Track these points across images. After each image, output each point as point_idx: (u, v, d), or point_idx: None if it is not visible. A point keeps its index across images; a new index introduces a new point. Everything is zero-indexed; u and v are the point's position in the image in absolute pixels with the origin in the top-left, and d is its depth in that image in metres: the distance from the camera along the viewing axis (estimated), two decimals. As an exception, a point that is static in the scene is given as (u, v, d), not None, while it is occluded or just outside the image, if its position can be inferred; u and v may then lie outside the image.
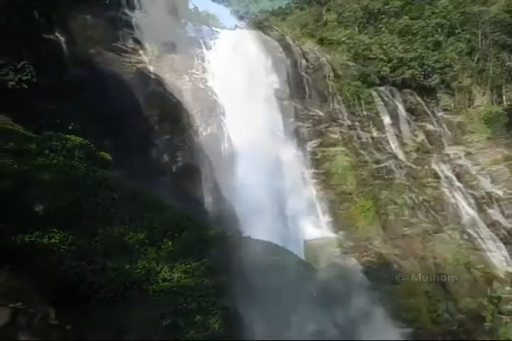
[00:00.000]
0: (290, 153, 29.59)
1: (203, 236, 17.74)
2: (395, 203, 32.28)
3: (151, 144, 23.54)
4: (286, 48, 34.77)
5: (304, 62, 35.85)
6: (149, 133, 23.61)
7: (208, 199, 24.25)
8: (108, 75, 22.74)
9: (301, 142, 31.29)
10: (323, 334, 24.72)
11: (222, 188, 24.66)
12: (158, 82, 24.79)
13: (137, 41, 26.05)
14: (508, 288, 32.52)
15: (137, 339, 18.28)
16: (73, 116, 20.78)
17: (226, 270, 21.40)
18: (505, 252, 34.73)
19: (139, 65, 24.72)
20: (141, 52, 25.83)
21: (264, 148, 25.79)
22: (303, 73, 35.33)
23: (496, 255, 34.22)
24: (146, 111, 23.38)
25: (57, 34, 21.74)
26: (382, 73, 41.46)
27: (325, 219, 29.33)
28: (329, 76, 37.91)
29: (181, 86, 26.37)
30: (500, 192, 39.46)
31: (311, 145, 31.74)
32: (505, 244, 35.01)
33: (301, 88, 34.69)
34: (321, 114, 34.19)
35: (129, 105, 22.82)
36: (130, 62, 24.23)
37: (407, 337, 27.17)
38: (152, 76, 24.80)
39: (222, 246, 18.15)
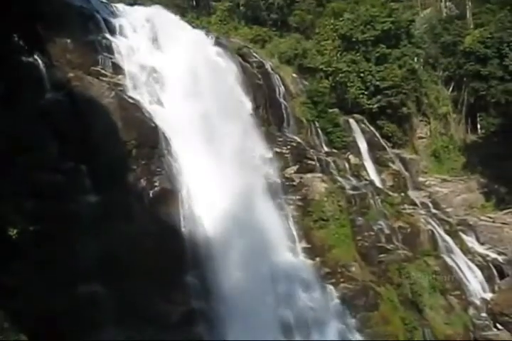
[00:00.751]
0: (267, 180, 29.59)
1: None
2: (372, 230, 32.42)
3: (128, 169, 23.42)
4: (265, 75, 35.08)
5: (282, 89, 36.17)
6: (126, 158, 23.50)
7: (186, 225, 24.15)
8: (86, 99, 22.68)
9: (278, 168, 31.36)
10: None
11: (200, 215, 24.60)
12: (136, 106, 24.78)
13: (117, 65, 26.06)
14: (483, 315, 32.66)
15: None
16: (49, 140, 20.68)
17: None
18: (480, 278, 34.96)
19: (118, 89, 24.68)
20: (120, 76, 25.83)
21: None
22: (281, 100, 35.62)
23: (472, 281, 34.41)
24: (124, 135, 23.29)
25: (36, 57, 21.69)
26: (359, 101, 42.00)
27: (301, 245, 29.30)
28: (307, 103, 38.32)
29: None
30: (474, 219, 39.95)
31: (288, 171, 31.84)
32: (480, 270, 35.27)
33: (279, 114, 34.96)
34: (299, 140, 34.41)
35: (106, 129, 22.75)
36: (109, 86, 24.18)
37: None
38: (130, 100, 24.77)
39: None
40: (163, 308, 21.87)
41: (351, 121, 40.94)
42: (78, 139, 21.47)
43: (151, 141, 24.53)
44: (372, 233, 32.36)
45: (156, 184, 23.84)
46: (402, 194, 38.55)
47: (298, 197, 30.91)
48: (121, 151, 23.30)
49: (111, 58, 25.87)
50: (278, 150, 32.40)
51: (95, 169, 21.23)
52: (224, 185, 24.64)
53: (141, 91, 26.22)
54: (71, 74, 23.25)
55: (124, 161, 23.25)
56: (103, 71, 25.19)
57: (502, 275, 35.87)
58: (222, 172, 24.96)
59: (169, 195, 24.17)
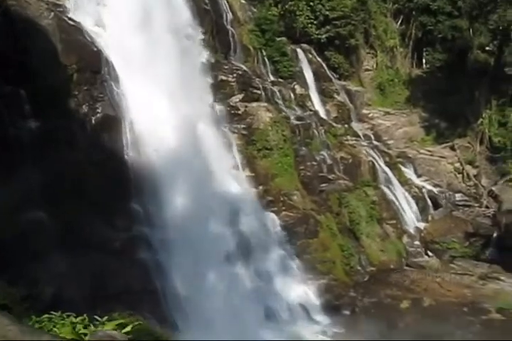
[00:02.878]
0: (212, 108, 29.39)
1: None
2: (314, 160, 33.00)
3: (69, 95, 22.81)
4: (212, 0, 34.08)
5: (230, 15, 35.32)
6: (67, 83, 22.83)
7: (129, 152, 24.00)
8: (23, 20, 21.64)
9: (223, 96, 31.12)
10: (239, 289, 25.62)
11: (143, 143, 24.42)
12: (78, 29, 23.84)
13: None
14: (416, 243, 34.30)
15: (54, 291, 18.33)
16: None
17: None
18: (416, 209, 36.43)
19: (57, 10, 23.57)
20: (60, -4, 24.61)
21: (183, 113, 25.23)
22: (228, 26, 34.87)
23: (408, 211, 35.83)
24: (64, 59, 22.50)
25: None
26: (307, 30, 41.53)
27: (245, 173, 29.63)
28: (255, 31, 37.67)
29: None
30: (414, 152, 41.08)
31: (233, 100, 31.66)
32: (416, 201, 36.68)
33: (225, 42, 34.31)
34: (245, 68, 34.05)
35: (45, 53, 21.90)
36: (48, 7, 23.04)
37: (320, 288, 28.43)
38: (71, 22, 23.77)
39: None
40: (106, 235, 22.03)
41: (299, 50, 40.57)
42: (16, 62, 20.67)
43: (93, 66, 23.83)
44: (314, 163, 32.97)
45: (99, 110, 23.38)
46: (346, 125, 39.01)
47: (242, 125, 30.90)
48: (62, 76, 22.58)
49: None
50: (224, 78, 32.01)
51: (35, 94, 20.59)
52: (168, 113, 24.43)
53: (83, 12, 25.12)
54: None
55: (64, 86, 22.59)
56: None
57: (436, 206, 37.43)
58: (166, 100, 24.66)
59: (112, 121, 23.81)
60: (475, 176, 39.70)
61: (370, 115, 43.82)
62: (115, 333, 3.53)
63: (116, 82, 24.47)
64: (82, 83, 23.20)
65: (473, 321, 26.21)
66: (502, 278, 30.78)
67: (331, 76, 42.27)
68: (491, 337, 23.97)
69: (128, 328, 4.80)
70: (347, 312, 27.92)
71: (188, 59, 27.71)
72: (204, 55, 30.69)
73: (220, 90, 31.17)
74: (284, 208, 29.71)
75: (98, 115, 23.30)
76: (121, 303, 17.92)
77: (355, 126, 40.75)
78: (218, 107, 30.35)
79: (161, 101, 24.54)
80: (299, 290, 28.22)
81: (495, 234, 33.72)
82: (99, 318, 4.21)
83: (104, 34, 25.20)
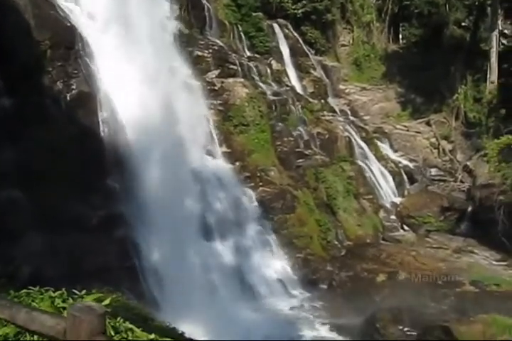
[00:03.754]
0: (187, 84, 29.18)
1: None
2: (291, 135, 33.05)
3: (43, 71, 22.46)
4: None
5: (205, -11, 34.91)
6: (41, 59, 22.46)
7: (105, 129, 23.80)
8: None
9: (199, 72, 30.89)
10: (216, 264, 25.79)
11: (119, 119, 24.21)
12: (50, 3, 23.38)
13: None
14: (392, 217, 34.72)
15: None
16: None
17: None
18: (392, 184, 36.80)
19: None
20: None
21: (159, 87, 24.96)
22: (204, 1, 34.48)
23: (384, 186, 36.19)
24: (37, 35, 22.10)
25: None
26: (284, 5, 41.25)
27: (222, 149, 29.61)
28: (230, 6, 37.31)
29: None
30: (390, 127, 41.36)
31: (209, 75, 31.45)
32: (392, 176, 37.04)
33: (201, 17, 33.95)
34: (221, 44, 33.79)
35: (17, 28, 21.48)
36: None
37: (297, 262, 28.72)
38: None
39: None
40: (83, 212, 21.91)
41: (275, 25, 40.37)
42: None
43: (67, 42, 23.44)
44: (291, 138, 33.02)
45: (73, 87, 23.07)
46: (322, 101, 39.04)
47: (219, 101, 30.75)
48: (35, 52, 22.21)
49: None
50: (199, 53, 31.74)
51: (8, 71, 20.22)
52: (143, 89, 24.18)
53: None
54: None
55: (38, 63, 22.22)
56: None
57: (412, 180, 37.88)
58: (141, 76, 24.39)
59: (87, 98, 23.52)
60: (450, 151, 40.17)
61: (347, 90, 43.93)
62: (94, 304, 3.55)
63: (90, 58, 24.14)
64: (56, 59, 22.84)
65: (447, 293, 26.67)
66: (476, 251, 31.36)
67: (308, 51, 42.18)
68: (465, 309, 24.43)
69: (107, 301, 4.84)
70: (324, 287, 28.24)
71: (162, 34, 27.39)
72: (179, 31, 30.30)
73: (195, 66, 30.91)
74: (260, 184, 29.79)
75: (73, 91, 23.00)
76: (99, 281, 17.85)
77: (332, 101, 40.84)
78: (194, 83, 30.13)
79: (135, 77, 24.26)
80: (277, 265, 28.49)
81: (469, 209, 34.27)
82: (77, 292, 4.23)
83: (76, 9, 24.78)
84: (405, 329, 23.21)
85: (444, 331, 19.97)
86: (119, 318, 4.63)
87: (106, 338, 3.47)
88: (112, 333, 4.26)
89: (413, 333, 22.44)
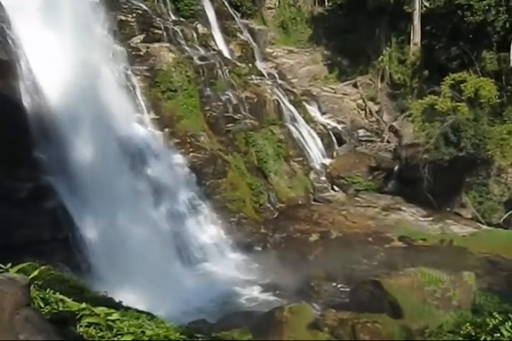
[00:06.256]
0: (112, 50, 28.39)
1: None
2: (220, 100, 32.90)
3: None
4: None
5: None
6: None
7: (27, 99, 23.00)
8: None
9: (124, 37, 30.10)
10: (151, 231, 25.72)
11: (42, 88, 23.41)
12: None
13: None
14: (322, 178, 35.39)
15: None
16: None
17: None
18: (321, 146, 37.37)
19: None
20: None
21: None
22: (125, -37, 33.35)
23: (313, 148, 36.72)
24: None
25: None
26: (208, -33, 40.44)
27: (150, 116, 29.21)
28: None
29: None
30: (318, 90, 41.72)
31: (134, 40, 30.71)
32: (321, 138, 37.58)
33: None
34: (145, 8, 32.94)
35: None
36: None
37: (231, 226, 29.04)
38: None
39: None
40: (10, 185, 21.37)
41: (199, -12, 39.59)
42: None
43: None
44: (220, 103, 32.89)
45: (-9, 54, 22.10)
46: (250, 65, 38.83)
47: (145, 67, 30.11)
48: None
49: None
50: (123, 18, 30.87)
51: None
52: (66, 56, 23.37)
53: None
54: None
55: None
56: None
57: (340, 142, 38.59)
58: (63, 43, 23.53)
59: (7, 66, 22.54)
60: (377, 112, 41.02)
61: (274, 54, 43.87)
62: (17, 276, 3.51)
63: (7, 24, 23.05)
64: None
65: (377, 249, 27.66)
66: (403, 208, 32.54)
67: (234, 14, 41.73)
68: (394, 263, 25.38)
69: (35, 273, 4.75)
70: (259, 249, 28.73)
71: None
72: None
73: (119, 31, 30.11)
74: (191, 149, 29.68)
75: (-10, 60, 22.02)
76: (32, 254, 17.51)
77: (260, 65, 40.72)
78: (119, 49, 29.37)
79: (57, 44, 23.35)
80: (211, 229, 28.71)
81: (396, 168, 35.33)
82: (2, 266, 4.16)
83: None
84: (338, 285, 24.10)
85: (375, 285, 20.76)
86: (48, 289, 4.59)
87: (32, 310, 3.44)
88: (42, 305, 4.23)
89: (346, 289, 23.33)
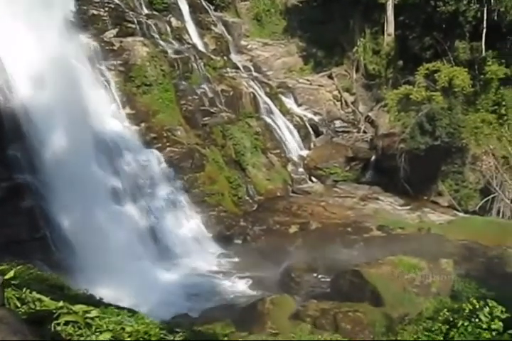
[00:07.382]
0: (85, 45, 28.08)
1: None
2: (195, 93, 32.75)
3: None
4: None
5: None
6: None
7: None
8: None
9: (96, 32, 29.78)
10: (130, 227, 25.62)
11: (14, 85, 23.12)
12: None
13: None
14: (300, 170, 35.49)
15: None
16: None
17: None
18: (298, 137, 37.43)
19: None
20: None
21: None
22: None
23: (290, 140, 36.77)
24: None
25: None
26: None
27: (125, 111, 28.99)
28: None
29: None
30: (293, 82, 41.72)
31: (107, 35, 30.39)
32: (298, 129, 37.64)
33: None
34: (118, 1, 32.59)
35: None
36: None
37: (211, 220, 29.02)
38: None
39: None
40: (-15, 185, 21.17)
41: (172, -20, 39.25)
42: None
43: None
44: (195, 97, 32.73)
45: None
46: (225, 57, 38.67)
47: (119, 62, 29.81)
48: None
49: None
50: (95, 12, 30.51)
51: None
52: (38, 52, 23.07)
53: None
54: None
55: None
56: None
57: (317, 133, 38.68)
58: (34, 38, 23.21)
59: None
60: (352, 103, 41.16)
61: (249, 46, 43.72)
62: (-11, 276, 3.46)
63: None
64: None
65: (357, 239, 27.85)
66: (381, 197, 32.76)
67: (207, 7, 41.43)
68: (373, 252, 25.58)
69: (11, 273, 4.71)
70: (239, 242, 28.75)
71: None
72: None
73: (92, 25, 29.79)
74: (168, 144, 29.54)
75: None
76: (10, 253, 17.39)
77: (234, 58, 40.56)
78: (92, 43, 29.07)
79: (29, 40, 23.06)
80: (190, 223, 28.67)
81: (373, 158, 35.57)
82: (-23, 266, 4.10)
83: None
84: (319, 276, 24.23)
85: (355, 274, 20.94)
86: (25, 289, 4.54)
87: (6, 310, 3.40)
88: (18, 304, 4.18)
89: (327, 279, 23.47)
